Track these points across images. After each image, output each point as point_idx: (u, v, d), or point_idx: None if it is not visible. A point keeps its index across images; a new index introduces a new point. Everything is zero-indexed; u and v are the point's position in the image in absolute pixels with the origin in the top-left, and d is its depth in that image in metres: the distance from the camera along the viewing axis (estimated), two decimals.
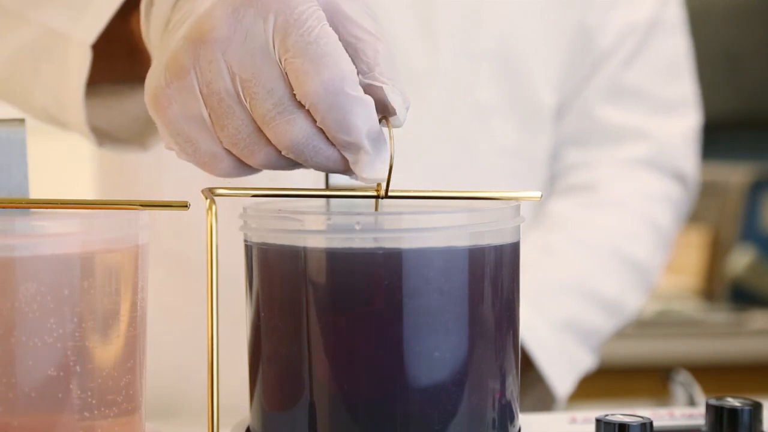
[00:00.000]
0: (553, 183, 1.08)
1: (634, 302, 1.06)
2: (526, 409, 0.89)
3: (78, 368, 0.55)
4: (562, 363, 0.99)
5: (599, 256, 1.04)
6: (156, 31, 0.67)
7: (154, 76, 0.60)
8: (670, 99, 1.10)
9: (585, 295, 1.02)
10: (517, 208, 0.62)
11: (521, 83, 1.01)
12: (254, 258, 0.61)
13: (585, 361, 1.03)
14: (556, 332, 0.99)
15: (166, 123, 0.60)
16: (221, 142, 0.59)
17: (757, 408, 0.65)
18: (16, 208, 0.59)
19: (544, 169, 1.06)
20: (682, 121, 1.11)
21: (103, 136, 0.85)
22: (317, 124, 0.56)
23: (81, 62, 0.78)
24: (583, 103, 1.06)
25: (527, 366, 0.98)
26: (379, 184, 0.60)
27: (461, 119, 0.99)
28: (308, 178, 0.96)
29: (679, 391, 1.09)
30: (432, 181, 0.97)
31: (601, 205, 1.05)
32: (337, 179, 0.66)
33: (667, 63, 1.09)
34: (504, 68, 1.00)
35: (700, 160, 1.14)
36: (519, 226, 0.62)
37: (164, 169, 0.98)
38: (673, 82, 1.10)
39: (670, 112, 1.10)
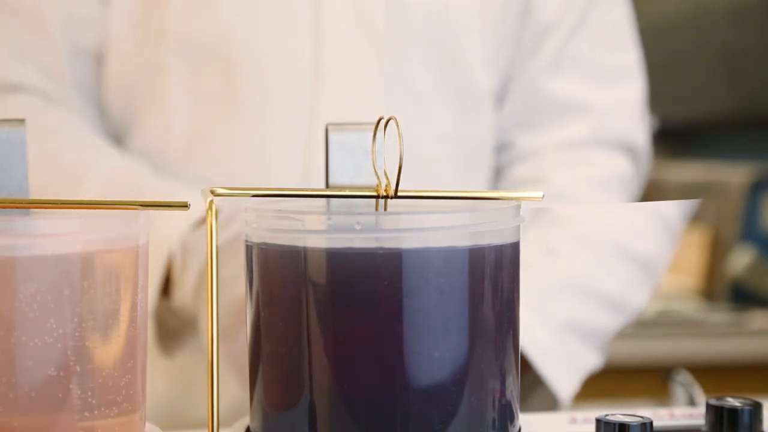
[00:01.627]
0: (499, 176, 1.07)
1: (640, 297, 1.05)
2: (530, 411, 0.89)
3: (78, 368, 0.55)
4: (563, 365, 0.98)
5: (602, 251, 1.02)
6: (190, 281, 0.84)
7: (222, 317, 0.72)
8: (613, 69, 1.08)
9: (586, 293, 1.00)
10: (517, 208, 0.62)
11: (456, 65, 1.00)
12: (254, 258, 0.61)
13: (590, 361, 1.01)
14: (557, 334, 0.98)
15: (230, 352, 0.78)
16: None
17: (757, 408, 0.65)
18: (16, 208, 0.59)
19: (486, 155, 1.04)
20: (626, 91, 1.09)
21: None
22: None
23: None
24: (529, 78, 1.04)
25: (526, 368, 0.97)
26: (382, 184, 0.60)
27: (397, 106, 0.98)
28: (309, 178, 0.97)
29: (679, 391, 1.09)
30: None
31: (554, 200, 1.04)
32: (337, 179, 0.66)
33: (609, 32, 1.07)
34: (437, 51, 0.99)
35: (652, 152, 1.12)
36: (519, 226, 0.62)
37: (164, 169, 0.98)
38: (617, 51, 1.08)
39: (616, 82, 1.08)
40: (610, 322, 1.02)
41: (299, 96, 0.96)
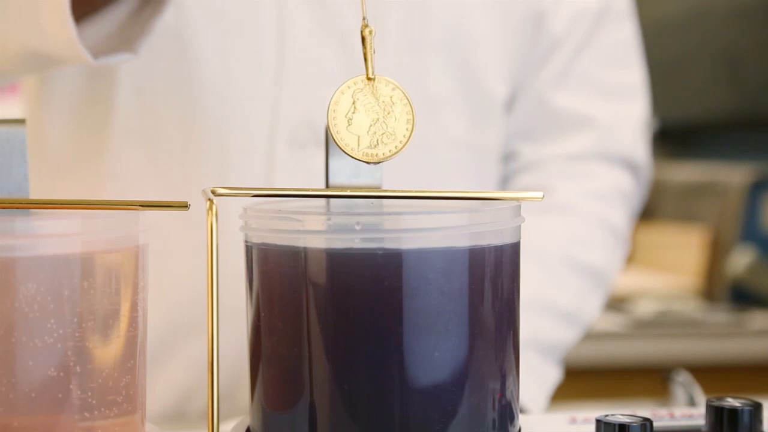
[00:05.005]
0: (503, 185, 1.07)
1: (593, 308, 1.05)
2: None
3: (78, 368, 0.55)
4: (530, 382, 0.98)
5: (554, 266, 1.03)
6: None
7: None
8: (619, 86, 1.09)
9: (544, 309, 1.01)
10: (518, 208, 0.62)
11: (472, 74, 1.01)
12: (254, 258, 0.61)
13: (553, 376, 1.02)
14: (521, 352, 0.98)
15: None
16: None
17: (757, 408, 0.65)
18: (16, 208, 0.59)
19: (496, 165, 1.05)
20: (631, 109, 1.10)
21: (94, 51, 0.83)
22: None
23: None
24: (536, 90, 1.05)
25: None
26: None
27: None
28: (308, 178, 0.96)
29: (679, 391, 1.08)
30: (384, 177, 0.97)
31: (553, 210, 1.05)
32: (337, 179, 0.66)
33: (615, 51, 1.09)
34: (454, 58, 1.00)
35: (651, 152, 1.13)
36: (519, 226, 0.62)
37: (164, 168, 0.98)
38: (623, 69, 1.10)
39: (620, 100, 1.09)
40: (567, 335, 1.02)
41: (262, 99, 0.96)
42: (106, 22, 0.84)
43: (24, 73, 1.00)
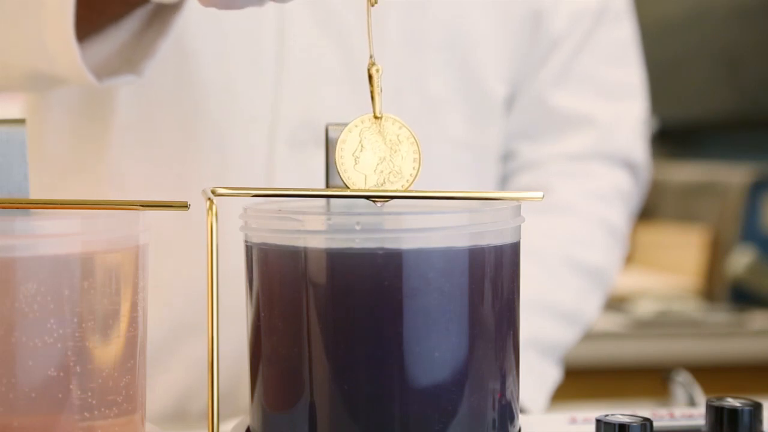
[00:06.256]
0: (502, 185, 1.07)
1: (593, 308, 1.05)
2: None
3: (78, 368, 0.55)
4: (530, 382, 0.98)
5: (554, 266, 1.03)
6: None
7: None
8: (618, 86, 1.09)
9: (544, 309, 1.01)
10: (518, 208, 0.62)
11: (472, 73, 1.01)
12: (254, 258, 0.61)
13: (552, 375, 1.02)
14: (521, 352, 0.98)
15: None
16: None
17: (757, 408, 0.65)
18: (16, 208, 0.59)
19: (495, 165, 1.05)
20: (630, 108, 1.10)
21: (98, 72, 0.83)
22: None
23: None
24: (535, 89, 1.05)
25: None
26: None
27: (411, 111, 0.98)
28: (308, 178, 0.96)
29: (679, 391, 1.09)
30: None
31: (552, 210, 1.05)
32: (337, 179, 0.66)
33: (615, 50, 1.09)
34: (454, 58, 1.00)
35: (651, 152, 1.14)
36: (519, 226, 0.62)
37: (164, 168, 0.98)
38: (622, 69, 1.10)
39: (619, 99, 1.09)
40: (567, 335, 1.03)
41: (262, 99, 0.96)
42: (110, 42, 0.84)
43: (28, 91, 1.00)
